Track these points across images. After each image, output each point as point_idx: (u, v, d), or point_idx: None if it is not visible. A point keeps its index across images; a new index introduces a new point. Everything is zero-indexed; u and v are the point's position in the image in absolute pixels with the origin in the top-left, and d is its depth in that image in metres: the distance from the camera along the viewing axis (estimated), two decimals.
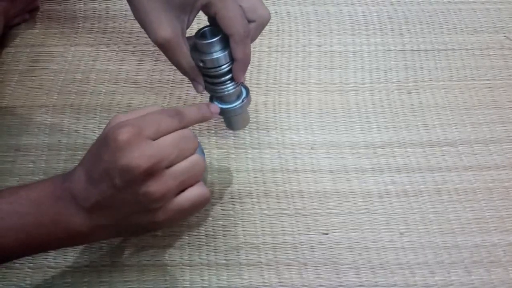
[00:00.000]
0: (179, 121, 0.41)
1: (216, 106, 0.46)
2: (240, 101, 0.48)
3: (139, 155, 0.37)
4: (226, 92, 0.46)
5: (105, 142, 0.38)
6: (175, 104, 0.60)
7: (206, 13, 0.43)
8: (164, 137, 0.39)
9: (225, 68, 0.44)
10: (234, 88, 0.46)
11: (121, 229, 0.42)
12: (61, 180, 0.41)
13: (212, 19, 0.43)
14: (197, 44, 0.43)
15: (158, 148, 0.38)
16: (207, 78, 0.45)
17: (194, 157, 0.41)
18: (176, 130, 0.40)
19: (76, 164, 0.57)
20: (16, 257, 0.46)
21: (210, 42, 0.42)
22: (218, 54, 0.43)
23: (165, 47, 0.43)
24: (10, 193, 0.40)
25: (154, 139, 0.39)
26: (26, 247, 0.40)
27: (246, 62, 0.44)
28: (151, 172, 0.38)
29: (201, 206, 0.43)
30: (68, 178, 0.40)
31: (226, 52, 0.43)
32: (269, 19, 0.45)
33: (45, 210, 0.39)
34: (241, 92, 0.48)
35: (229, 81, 0.45)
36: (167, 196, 0.39)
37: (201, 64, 0.44)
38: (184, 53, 0.43)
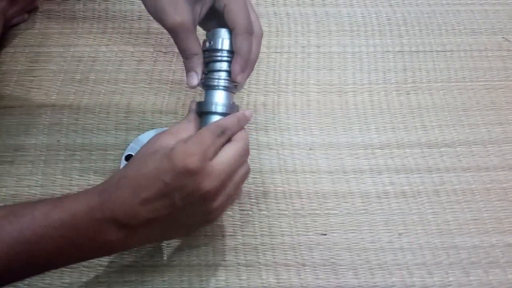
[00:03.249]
0: (225, 139, 0.42)
1: (250, 111, 0.46)
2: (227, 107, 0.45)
3: (210, 182, 0.40)
4: (216, 82, 0.45)
5: (170, 168, 0.39)
6: (174, 105, 0.60)
7: (215, 8, 0.45)
8: (222, 157, 0.41)
9: (227, 56, 0.45)
10: (226, 83, 0.45)
11: (164, 237, 0.47)
12: (98, 199, 0.40)
13: (221, 14, 0.45)
14: (211, 31, 0.46)
15: (224, 170, 0.41)
16: (207, 65, 0.46)
17: (247, 166, 0.44)
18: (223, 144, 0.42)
19: (76, 165, 0.57)
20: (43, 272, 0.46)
21: (225, 29, 0.45)
22: (228, 39, 0.45)
23: (177, 31, 0.44)
24: (43, 216, 0.39)
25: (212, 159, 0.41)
26: (57, 264, 0.42)
27: (245, 58, 0.44)
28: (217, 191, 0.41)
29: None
30: (109, 198, 0.40)
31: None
32: (262, 36, 0.47)
33: (81, 231, 0.39)
34: (231, 103, 0.46)
35: (225, 73, 0.45)
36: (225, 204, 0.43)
37: (208, 44, 0.45)
38: (195, 38, 0.45)
